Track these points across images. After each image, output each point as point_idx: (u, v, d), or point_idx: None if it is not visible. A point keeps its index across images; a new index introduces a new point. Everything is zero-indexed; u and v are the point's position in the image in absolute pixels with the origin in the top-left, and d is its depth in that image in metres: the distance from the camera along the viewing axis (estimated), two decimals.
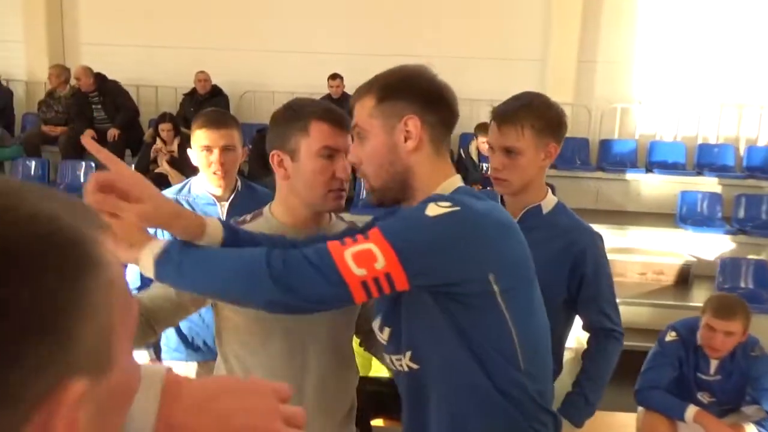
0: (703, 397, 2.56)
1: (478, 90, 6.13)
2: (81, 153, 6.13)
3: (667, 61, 6.25)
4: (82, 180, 5.92)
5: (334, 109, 1.31)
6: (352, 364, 1.44)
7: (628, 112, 6.32)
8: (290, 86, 6.33)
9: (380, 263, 0.96)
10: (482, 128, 5.22)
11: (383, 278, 0.97)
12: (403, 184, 1.12)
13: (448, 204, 1.01)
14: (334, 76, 6.07)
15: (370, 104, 1.12)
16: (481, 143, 5.11)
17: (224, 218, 1.85)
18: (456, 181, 1.14)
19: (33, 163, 5.94)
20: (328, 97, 6.11)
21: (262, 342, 1.29)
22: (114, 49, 6.53)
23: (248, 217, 1.36)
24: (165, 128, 5.34)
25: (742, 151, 6.28)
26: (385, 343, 1.19)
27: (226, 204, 1.99)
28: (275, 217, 1.32)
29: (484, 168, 5.26)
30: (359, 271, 0.96)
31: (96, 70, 6.08)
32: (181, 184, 2.10)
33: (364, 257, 0.96)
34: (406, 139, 1.09)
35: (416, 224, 1.01)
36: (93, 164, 5.95)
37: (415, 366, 1.13)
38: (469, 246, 1.02)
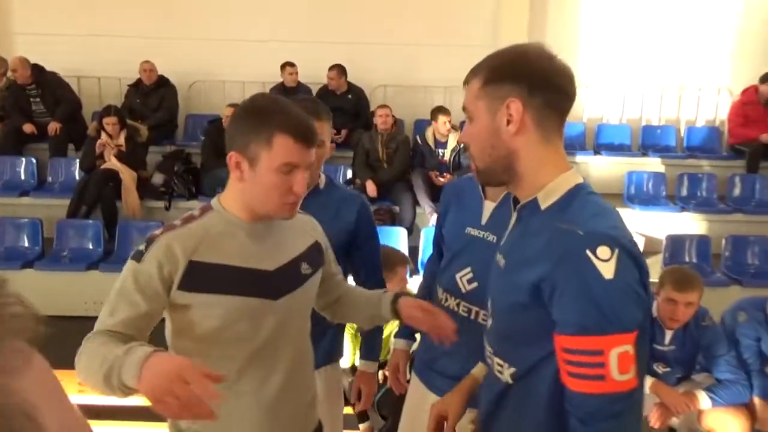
0: (658, 367, 2.68)
1: (431, 77, 6.18)
2: (20, 149, 5.84)
3: (611, 45, 6.44)
4: (21, 177, 5.65)
5: (303, 121, 1.23)
6: (311, 354, 1.48)
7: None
8: (241, 75, 6.20)
9: (630, 348, 0.99)
10: (440, 110, 5.28)
11: (635, 350, 1.01)
12: (506, 168, 1.11)
13: (607, 250, 1.00)
14: (288, 65, 5.98)
15: (476, 86, 1.10)
16: (443, 123, 5.15)
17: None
18: (571, 178, 1.11)
19: None
20: (282, 85, 6.02)
21: (235, 350, 1.29)
22: (51, 38, 6.18)
23: (196, 212, 1.32)
24: (110, 122, 5.13)
25: (682, 131, 6.56)
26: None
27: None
28: (229, 210, 1.29)
29: (440, 154, 5.31)
30: (630, 374, 1.00)
31: (32, 61, 5.77)
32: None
33: (623, 363, 0.99)
34: (508, 123, 1.07)
35: (609, 296, 1.00)
36: (33, 160, 5.68)
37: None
38: (643, 278, 1.05)
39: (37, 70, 5.77)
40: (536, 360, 1.09)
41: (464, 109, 1.14)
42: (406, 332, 2.05)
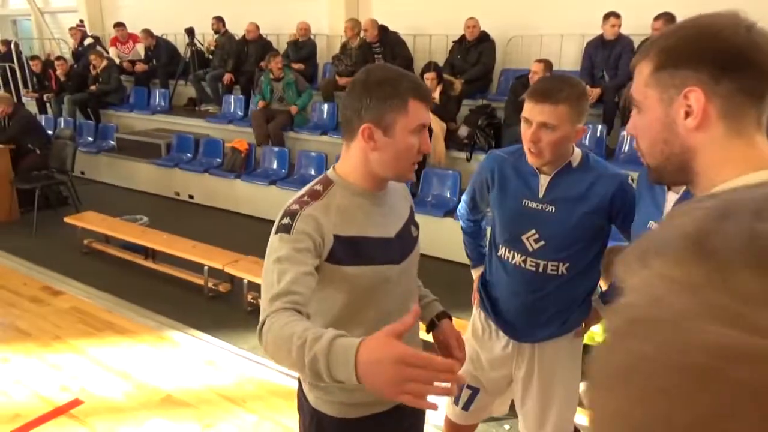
0: None
1: None
2: None
3: None
4: None
5: (424, 85, 1.36)
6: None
7: None
8: (559, 28, 5.99)
9: None
10: None
11: None
12: (681, 166, 0.94)
13: None
14: (613, 15, 5.50)
15: (646, 71, 0.94)
16: None
17: (542, 193, 1.81)
18: (758, 179, 0.87)
19: (325, 106, 6.92)
20: (600, 38, 5.61)
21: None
22: (395, 1, 7.04)
23: (318, 187, 1.36)
24: (429, 77, 5.61)
25: None
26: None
27: (548, 178, 1.80)
28: (352, 182, 1.37)
29: None
30: None
31: (381, 22, 6.69)
32: (516, 146, 1.89)
33: None
34: (687, 115, 0.90)
35: None
36: None
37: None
38: None
39: (382, 30, 6.66)
40: None
41: (630, 97, 0.97)
42: None
